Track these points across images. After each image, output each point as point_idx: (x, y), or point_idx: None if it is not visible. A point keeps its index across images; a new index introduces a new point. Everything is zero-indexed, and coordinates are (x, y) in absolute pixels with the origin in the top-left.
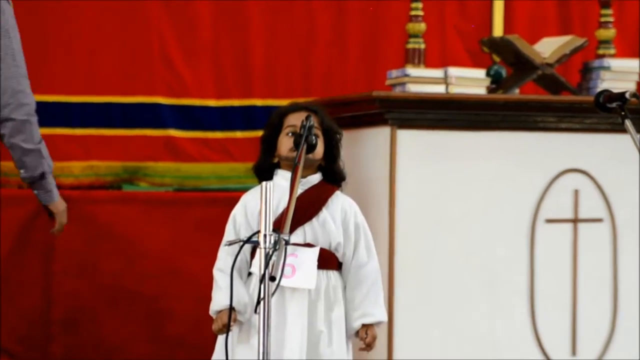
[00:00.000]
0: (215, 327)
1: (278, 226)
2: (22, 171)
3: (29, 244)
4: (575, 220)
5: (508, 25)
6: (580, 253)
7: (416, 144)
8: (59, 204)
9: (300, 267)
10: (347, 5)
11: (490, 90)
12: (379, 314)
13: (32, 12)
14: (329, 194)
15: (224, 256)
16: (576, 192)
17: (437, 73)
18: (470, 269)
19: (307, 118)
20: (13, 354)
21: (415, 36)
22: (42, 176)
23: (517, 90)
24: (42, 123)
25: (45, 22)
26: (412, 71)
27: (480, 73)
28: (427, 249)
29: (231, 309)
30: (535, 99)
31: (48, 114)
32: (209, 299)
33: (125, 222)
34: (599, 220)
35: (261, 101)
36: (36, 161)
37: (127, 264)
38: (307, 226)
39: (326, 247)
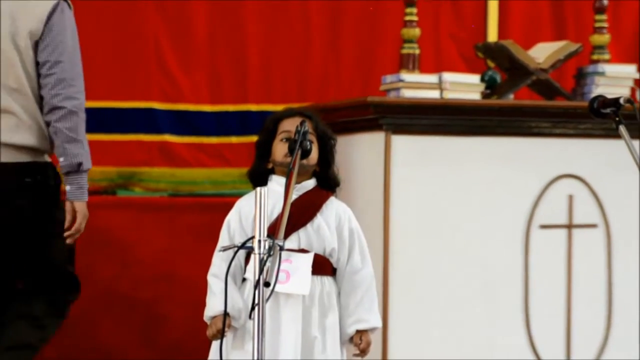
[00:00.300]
0: (209, 332)
1: (272, 232)
2: (61, 159)
3: None
4: (569, 226)
5: (502, 31)
6: (575, 258)
7: (410, 150)
8: (85, 206)
9: (295, 272)
10: (342, 11)
11: (484, 95)
12: (374, 320)
13: None
14: (324, 199)
15: (218, 262)
16: (570, 198)
17: (432, 78)
18: (465, 275)
19: (301, 124)
20: None
21: (410, 41)
22: (80, 166)
23: (511, 96)
24: None
25: None
26: (407, 76)
27: (475, 78)
28: (422, 254)
29: (225, 314)
30: (530, 105)
31: None
32: (203, 304)
33: (120, 227)
34: (593, 225)
35: (256, 106)
36: (77, 150)
37: (121, 269)
38: (301, 232)
39: (320, 252)
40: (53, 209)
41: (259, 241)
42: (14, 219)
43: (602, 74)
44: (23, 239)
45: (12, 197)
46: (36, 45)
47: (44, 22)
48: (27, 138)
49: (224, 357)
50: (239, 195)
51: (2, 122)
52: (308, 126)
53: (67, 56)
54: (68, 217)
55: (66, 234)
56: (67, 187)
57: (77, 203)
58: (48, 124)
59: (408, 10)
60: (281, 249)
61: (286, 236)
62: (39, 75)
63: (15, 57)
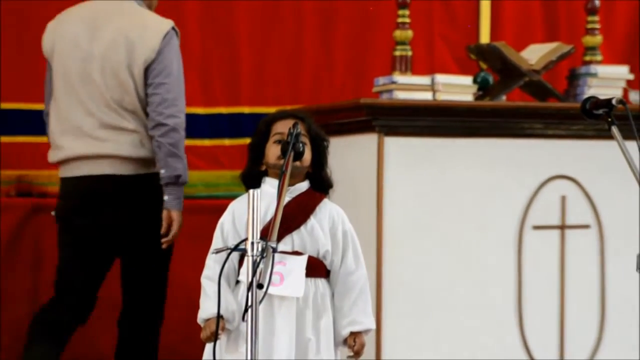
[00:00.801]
0: (203, 335)
1: (266, 234)
2: (162, 171)
3: (18, 253)
4: (562, 227)
5: (495, 32)
6: (568, 259)
7: (403, 151)
8: (180, 215)
9: (289, 275)
10: (335, 13)
11: (477, 97)
12: (368, 322)
13: (25, 22)
14: (317, 201)
15: (212, 264)
16: (563, 199)
17: (424, 80)
18: (458, 276)
19: (294, 126)
20: None
21: (402, 43)
22: (179, 179)
23: (504, 97)
24: (33, 131)
25: (37, 31)
26: (399, 78)
27: (467, 80)
28: (415, 256)
29: (219, 317)
30: (522, 106)
31: (39, 122)
32: (197, 306)
33: None
34: (586, 226)
35: (249, 109)
36: (177, 163)
37: (116, 272)
38: (295, 234)
39: (314, 255)
40: (161, 215)
41: (252, 243)
42: (145, 224)
43: (594, 75)
44: (153, 245)
45: (144, 203)
46: (147, 70)
47: (156, 51)
48: (149, 151)
49: None
50: (232, 197)
51: (130, 139)
52: (301, 128)
53: (172, 79)
54: (164, 224)
55: (163, 239)
56: (166, 197)
57: (174, 211)
58: (151, 138)
59: (400, 12)
60: (274, 251)
61: (280, 239)
62: (146, 95)
63: (130, 84)
